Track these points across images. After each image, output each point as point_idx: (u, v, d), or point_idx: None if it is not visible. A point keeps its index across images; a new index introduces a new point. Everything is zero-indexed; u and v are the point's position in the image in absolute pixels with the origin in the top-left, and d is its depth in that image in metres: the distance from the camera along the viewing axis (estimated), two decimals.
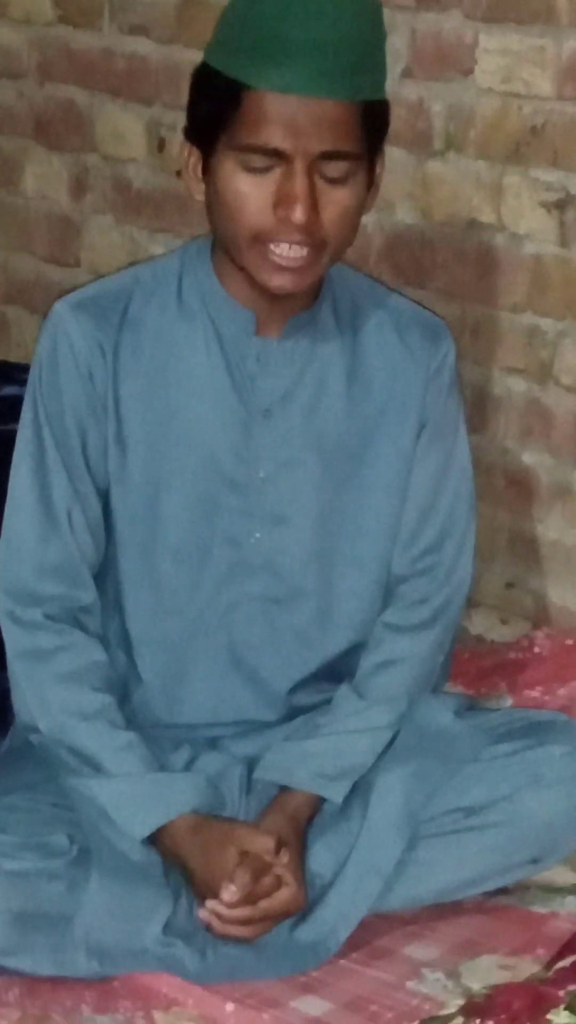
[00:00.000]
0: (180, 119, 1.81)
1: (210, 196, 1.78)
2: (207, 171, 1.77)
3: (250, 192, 1.72)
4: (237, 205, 1.73)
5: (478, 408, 2.61)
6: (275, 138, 1.70)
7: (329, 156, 1.71)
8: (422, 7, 2.58)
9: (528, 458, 2.63)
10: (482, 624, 2.65)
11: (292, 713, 1.95)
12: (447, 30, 2.56)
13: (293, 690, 1.94)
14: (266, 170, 1.72)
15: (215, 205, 1.77)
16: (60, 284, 3.15)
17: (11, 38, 3.18)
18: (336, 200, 1.73)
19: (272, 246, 1.74)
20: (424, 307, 2.01)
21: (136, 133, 3.01)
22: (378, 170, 1.81)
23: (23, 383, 1.92)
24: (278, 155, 1.71)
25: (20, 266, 3.29)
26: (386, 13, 2.56)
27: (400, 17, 2.58)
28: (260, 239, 1.74)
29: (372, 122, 1.75)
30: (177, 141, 1.82)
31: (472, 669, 2.47)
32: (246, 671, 1.93)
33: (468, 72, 2.55)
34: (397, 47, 2.59)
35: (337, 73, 1.69)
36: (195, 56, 1.80)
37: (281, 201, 1.71)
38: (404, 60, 2.60)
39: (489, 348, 2.62)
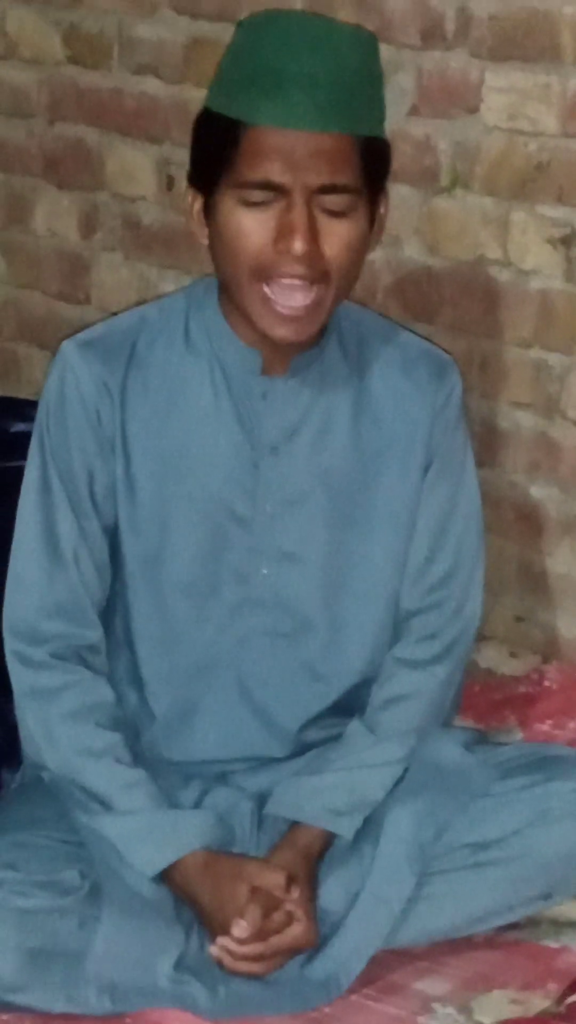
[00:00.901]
0: (189, 158, 1.82)
1: (213, 238, 1.79)
2: (210, 214, 1.78)
3: (250, 227, 1.73)
4: (237, 241, 1.74)
5: (486, 442, 2.62)
6: (273, 172, 1.71)
7: (328, 190, 1.72)
8: (428, 45, 2.59)
9: (536, 492, 2.63)
10: (492, 657, 2.64)
11: (302, 749, 1.95)
12: (453, 68, 2.57)
13: (303, 727, 1.94)
14: (265, 205, 1.72)
15: (217, 245, 1.78)
16: (70, 321, 3.16)
17: (21, 78, 3.20)
18: (337, 233, 1.74)
19: (273, 289, 1.74)
20: (432, 342, 2.02)
21: (145, 171, 3.03)
22: (382, 210, 1.81)
23: (32, 420, 1.92)
24: (277, 189, 1.72)
25: (30, 303, 3.30)
26: (392, 51, 2.59)
27: (406, 55, 2.60)
28: (261, 276, 1.75)
29: (371, 158, 1.75)
30: (186, 180, 1.83)
31: (482, 702, 2.46)
32: (255, 707, 1.93)
33: (474, 109, 2.56)
34: (403, 85, 2.61)
35: (333, 106, 1.70)
36: (203, 95, 1.81)
37: (281, 234, 1.72)
38: (410, 98, 2.62)
39: (496, 382, 2.63)
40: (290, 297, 1.75)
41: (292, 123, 1.70)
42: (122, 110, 3.04)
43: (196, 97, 2.81)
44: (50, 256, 3.25)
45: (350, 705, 1.95)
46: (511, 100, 2.51)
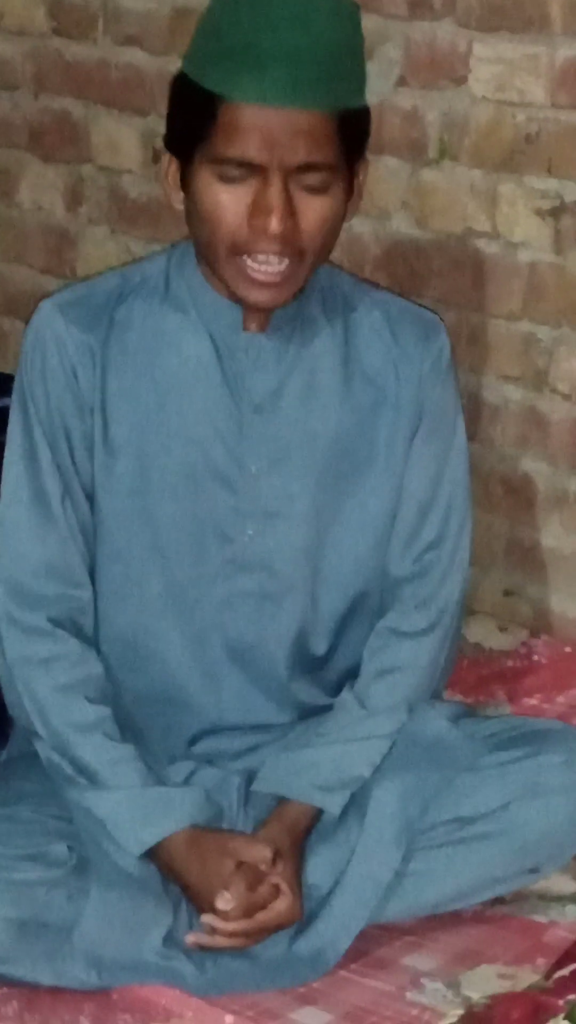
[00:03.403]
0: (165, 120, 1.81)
1: (188, 206, 1.77)
2: (185, 181, 1.76)
3: (226, 203, 1.72)
4: (214, 216, 1.73)
5: (475, 416, 2.61)
6: (250, 150, 1.69)
7: (305, 168, 1.70)
8: (416, 16, 2.58)
9: (525, 465, 2.63)
10: (480, 632, 2.64)
11: (295, 707, 1.93)
12: (441, 38, 2.56)
13: (293, 683, 1.93)
14: (242, 180, 1.71)
15: (193, 215, 1.77)
16: None
17: (5, 49, 3.18)
18: (314, 209, 1.72)
19: (249, 259, 1.73)
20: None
21: (131, 144, 3.01)
22: (360, 177, 1.80)
23: None
24: (253, 167, 1.70)
25: (16, 277, 3.29)
26: (379, 22, 2.57)
27: (394, 26, 2.59)
28: (237, 251, 1.73)
29: (350, 130, 1.73)
30: (162, 142, 1.81)
31: (471, 677, 2.46)
32: (243, 666, 1.92)
33: (462, 80, 2.55)
34: (391, 56, 2.59)
35: (311, 83, 1.68)
36: None
37: (256, 212, 1.70)
38: (398, 68, 2.60)
39: (485, 356, 2.62)
40: (265, 267, 1.74)
41: (270, 100, 1.68)
42: (108, 82, 3.02)
43: None
44: (35, 230, 3.23)
45: (339, 647, 1.94)
46: (499, 71, 2.50)
